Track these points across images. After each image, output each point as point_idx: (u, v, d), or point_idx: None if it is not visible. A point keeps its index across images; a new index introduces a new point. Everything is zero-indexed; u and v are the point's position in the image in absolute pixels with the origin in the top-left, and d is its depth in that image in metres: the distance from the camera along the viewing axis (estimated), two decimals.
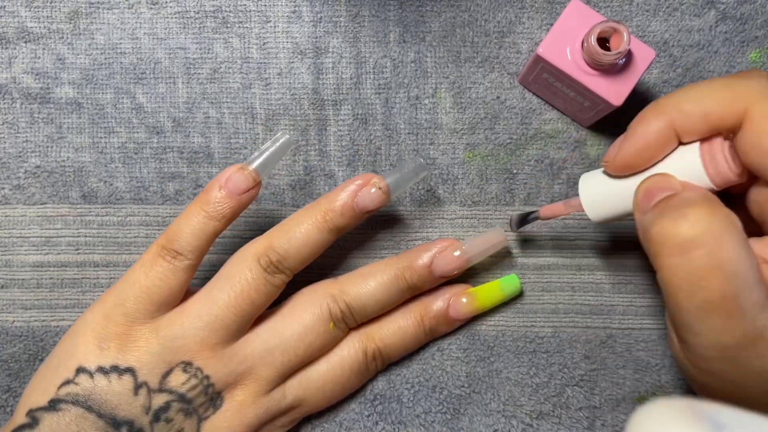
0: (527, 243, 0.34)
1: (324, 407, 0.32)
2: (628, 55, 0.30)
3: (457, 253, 0.31)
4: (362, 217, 0.30)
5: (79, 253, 0.34)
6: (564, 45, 0.30)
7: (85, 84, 0.34)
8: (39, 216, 0.34)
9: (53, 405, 0.27)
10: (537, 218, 0.31)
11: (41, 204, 0.34)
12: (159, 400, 0.27)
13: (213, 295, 0.29)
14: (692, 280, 0.22)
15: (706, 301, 0.22)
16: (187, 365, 0.28)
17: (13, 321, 0.34)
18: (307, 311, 0.30)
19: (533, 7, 0.34)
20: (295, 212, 0.31)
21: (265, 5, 0.35)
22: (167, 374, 0.28)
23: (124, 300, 0.28)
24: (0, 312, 0.34)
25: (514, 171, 0.34)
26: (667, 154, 0.26)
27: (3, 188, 0.34)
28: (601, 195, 0.28)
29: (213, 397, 0.29)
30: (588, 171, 0.30)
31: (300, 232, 0.29)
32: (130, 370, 0.27)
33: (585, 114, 0.33)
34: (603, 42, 0.30)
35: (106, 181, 0.34)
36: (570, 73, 0.30)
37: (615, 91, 0.30)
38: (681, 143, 0.26)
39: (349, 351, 0.31)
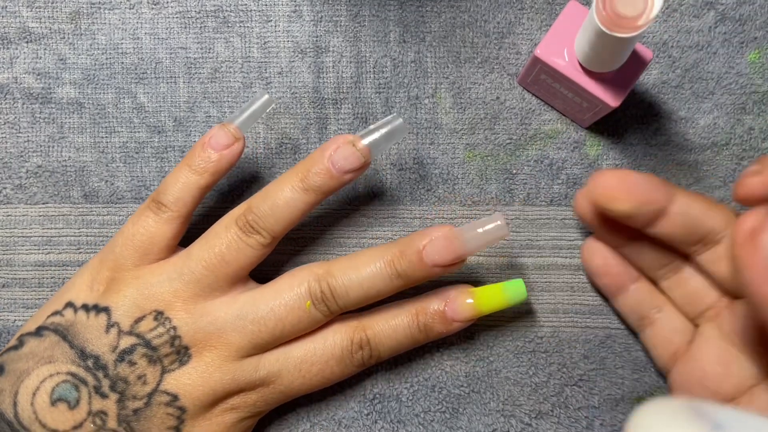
0: (527, 243, 0.35)
1: (300, 391, 0.31)
2: None
3: (451, 239, 0.29)
4: (343, 177, 0.30)
5: (80, 253, 0.34)
6: (562, 46, 0.30)
7: (86, 84, 0.35)
8: (40, 215, 0.34)
9: (38, 331, 0.29)
10: None
11: (43, 203, 0.34)
12: (126, 341, 0.29)
13: (191, 250, 0.30)
14: None
15: None
16: (158, 314, 0.29)
17: (15, 320, 0.34)
18: (287, 287, 0.30)
19: (533, 8, 0.35)
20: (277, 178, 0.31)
21: (266, 5, 0.35)
22: (139, 320, 0.29)
23: (114, 246, 0.31)
24: (1, 311, 0.34)
25: (514, 171, 0.35)
26: None
27: (5, 188, 0.34)
28: None
29: (180, 350, 0.29)
30: (588, 171, 0.28)
31: (277, 193, 0.30)
32: (105, 310, 0.29)
33: (584, 115, 0.33)
34: None
35: (107, 181, 0.34)
36: (567, 74, 0.30)
37: (613, 92, 0.30)
38: None
39: (335, 335, 0.31)
